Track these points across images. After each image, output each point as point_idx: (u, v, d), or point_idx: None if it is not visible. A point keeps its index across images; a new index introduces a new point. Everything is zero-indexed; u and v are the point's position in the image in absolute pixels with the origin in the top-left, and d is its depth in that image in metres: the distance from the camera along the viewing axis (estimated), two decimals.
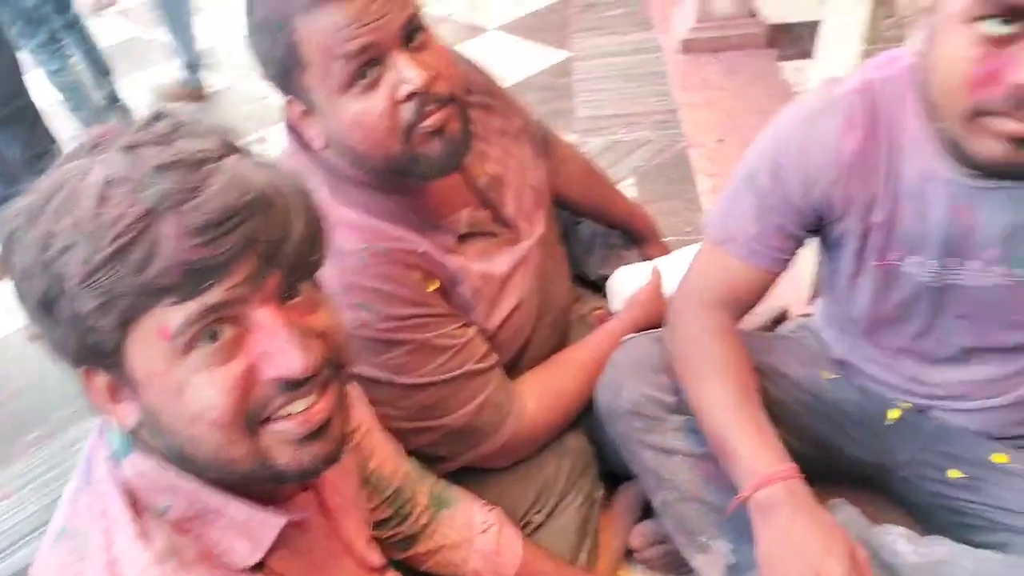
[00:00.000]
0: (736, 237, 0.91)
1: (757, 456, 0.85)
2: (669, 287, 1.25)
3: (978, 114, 0.64)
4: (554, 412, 1.07)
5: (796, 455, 0.97)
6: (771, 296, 1.49)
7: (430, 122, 0.81)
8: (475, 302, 0.98)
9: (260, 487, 0.57)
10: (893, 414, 1.03)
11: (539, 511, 1.04)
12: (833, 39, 1.50)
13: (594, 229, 1.52)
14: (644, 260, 1.44)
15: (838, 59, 1.24)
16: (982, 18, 0.60)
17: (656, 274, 1.27)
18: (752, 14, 2.65)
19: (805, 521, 0.80)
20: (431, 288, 0.92)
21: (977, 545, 0.93)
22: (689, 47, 2.64)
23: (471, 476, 1.01)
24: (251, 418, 0.52)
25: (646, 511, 1.11)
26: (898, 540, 0.93)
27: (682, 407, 0.98)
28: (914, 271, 0.85)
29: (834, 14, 1.51)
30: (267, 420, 0.52)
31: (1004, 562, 0.87)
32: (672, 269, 1.28)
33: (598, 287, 1.56)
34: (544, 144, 1.27)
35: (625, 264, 1.43)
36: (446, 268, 0.94)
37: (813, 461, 1.03)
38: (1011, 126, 0.62)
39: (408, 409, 0.92)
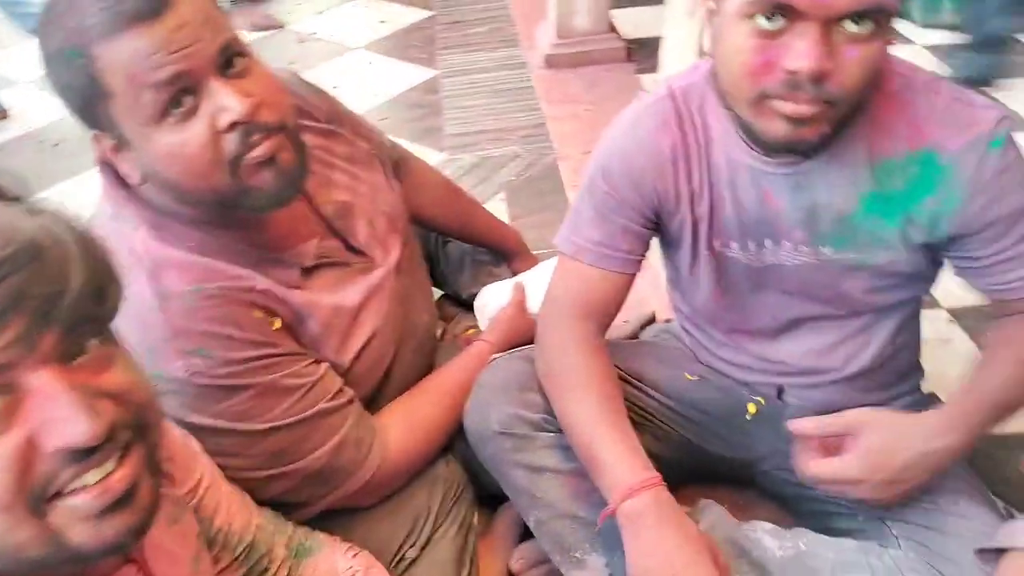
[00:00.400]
0: (585, 245, 0.95)
1: (622, 466, 0.86)
2: (534, 302, 1.25)
3: (762, 98, 0.71)
4: (420, 442, 1.03)
5: (665, 461, 0.99)
6: (642, 303, 1.53)
7: (258, 152, 0.76)
8: (326, 336, 0.93)
9: (63, 571, 0.50)
10: (751, 408, 1.07)
11: (413, 545, 1.00)
12: (672, 52, 1.56)
13: (463, 248, 1.51)
14: (513, 275, 1.43)
15: (679, 69, 1.28)
16: (753, 15, 0.68)
17: (519, 290, 1.27)
18: (611, 29, 2.73)
19: (670, 531, 0.81)
20: (275, 326, 0.87)
21: (838, 532, 0.97)
22: (552, 62, 2.69)
23: (337, 517, 0.96)
24: (35, 496, 0.45)
25: (526, 533, 1.10)
26: (764, 537, 0.95)
27: (550, 424, 0.98)
28: (738, 255, 0.91)
29: (672, 29, 1.58)
30: (57, 495, 0.46)
31: (860, 548, 0.91)
32: (536, 283, 1.28)
33: (471, 306, 1.55)
34: (397, 166, 1.24)
35: (495, 281, 1.43)
36: (290, 304, 0.89)
37: (683, 464, 1.07)
38: (788, 107, 0.70)
39: (258, 457, 0.86)
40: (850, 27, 0.66)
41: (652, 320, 1.46)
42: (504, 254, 1.49)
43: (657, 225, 0.95)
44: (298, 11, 3.38)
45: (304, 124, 0.95)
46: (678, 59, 1.61)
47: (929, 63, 2.59)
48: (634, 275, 0.98)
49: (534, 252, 1.53)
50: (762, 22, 0.67)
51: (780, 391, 1.04)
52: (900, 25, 2.85)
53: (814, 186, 0.83)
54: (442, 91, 2.68)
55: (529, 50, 2.87)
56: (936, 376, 1.11)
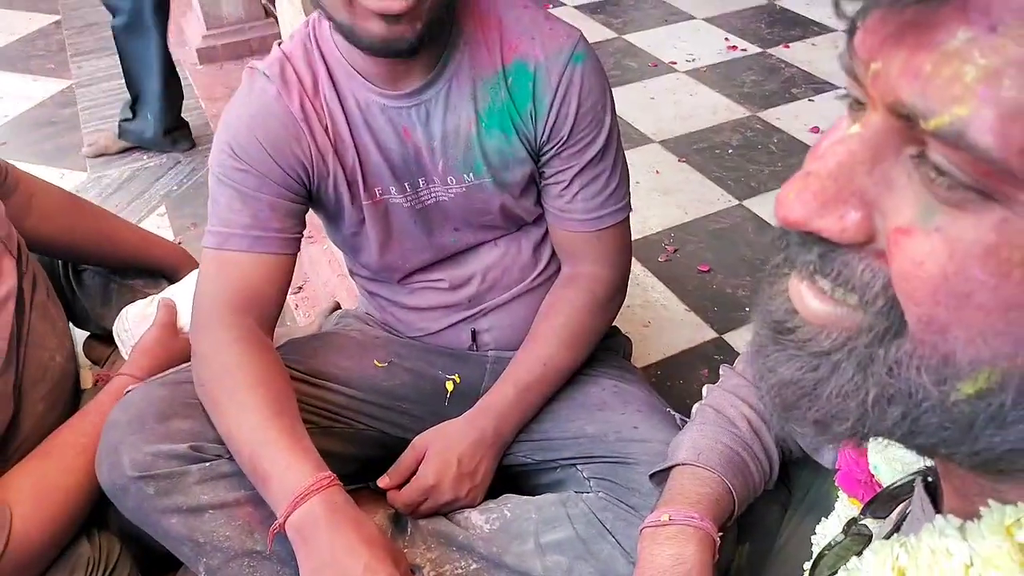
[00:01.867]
0: (233, 232, 0.84)
1: (290, 474, 0.74)
2: (188, 318, 1.07)
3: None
4: (53, 515, 0.83)
5: (360, 461, 0.92)
6: (323, 299, 1.41)
7: (373, 3, 0.70)
8: None
9: None
10: (449, 387, 1.00)
11: None
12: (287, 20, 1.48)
13: (107, 275, 1.26)
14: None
15: None
16: None
17: (166, 308, 1.07)
18: (267, 15, 2.54)
19: (343, 536, 0.72)
20: None
21: (545, 489, 0.93)
22: (207, 56, 2.43)
23: None
24: None
25: None
26: (471, 515, 0.89)
27: (205, 451, 0.81)
28: (399, 200, 0.88)
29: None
30: None
31: (559, 500, 0.88)
32: (188, 296, 1.09)
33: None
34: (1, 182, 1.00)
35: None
36: None
37: (383, 461, 0.96)
38: (373, 3, 0.69)
39: None
40: None
41: (336, 308, 1.34)
42: (164, 273, 1.28)
43: (308, 196, 0.87)
44: None
45: None
46: (295, 22, 1.53)
47: (579, 18, 2.77)
48: (293, 256, 0.87)
49: None
50: None
51: (474, 335, 0.99)
52: None
53: (438, 114, 0.83)
54: (78, 103, 2.30)
55: (180, 47, 2.58)
56: None
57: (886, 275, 0.28)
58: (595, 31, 2.72)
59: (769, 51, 2.57)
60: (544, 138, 0.85)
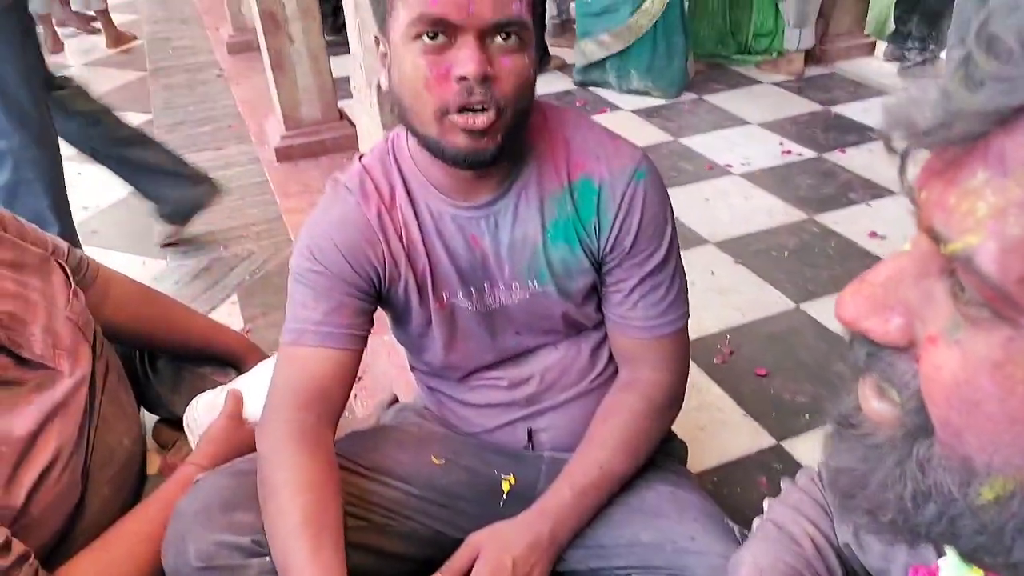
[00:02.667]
0: (305, 328, 0.89)
1: None
2: (255, 408, 1.10)
3: (443, 114, 0.77)
4: None
5: (416, 560, 0.94)
6: (381, 389, 1.44)
7: (465, 119, 0.78)
8: None
9: None
10: (505, 486, 1.01)
11: None
12: (366, 134, 1.57)
13: (179, 363, 1.33)
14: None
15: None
16: (419, 36, 0.75)
17: (234, 398, 1.12)
18: (341, 117, 2.71)
19: None
20: None
21: None
22: (284, 155, 2.59)
23: None
24: None
25: None
26: None
27: (264, 545, 0.83)
28: (465, 304, 0.92)
29: (360, 114, 1.59)
30: None
31: None
32: (256, 386, 1.12)
33: None
34: (80, 271, 1.09)
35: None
36: None
37: (432, 563, 0.96)
38: (461, 120, 0.76)
39: None
40: (499, 41, 0.76)
41: (395, 401, 1.36)
42: (231, 361, 1.33)
43: (378, 296, 0.91)
44: None
45: None
46: (372, 132, 1.63)
47: (636, 123, 2.86)
48: (360, 352, 0.91)
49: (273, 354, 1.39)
50: (427, 40, 0.75)
51: (530, 434, 1.00)
52: (606, 95, 3.15)
53: (507, 224, 0.88)
54: None
55: (260, 145, 2.76)
56: None
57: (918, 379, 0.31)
58: (651, 134, 2.80)
59: (825, 156, 2.60)
60: (607, 249, 0.89)
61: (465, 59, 0.74)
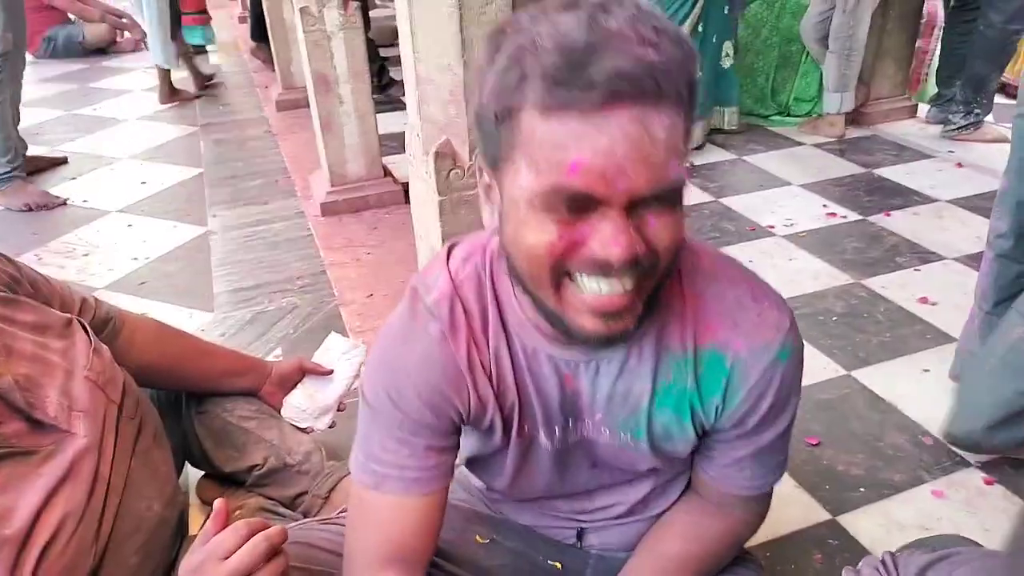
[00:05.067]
0: (389, 473, 0.79)
1: None
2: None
3: (565, 277, 0.62)
4: None
5: None
6: None
7: (596, 301, 0.63)
8: None
9: None
10: (557, 565, 0.97)
11: None
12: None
13: (222, 417, 1.35)
14: (266, 405, 1.39)
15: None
16: (553, 208, 0.59)
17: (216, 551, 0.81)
18: (386, 174, 2.76)
19: None
20: None
21: None
22: (329, 209, 2.64)
23: None
24: None
25: None
26: None
27: None
28: (542, 439, 0.81)
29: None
30: None
31: None
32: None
33: (240, 482, 1.37)
34: (106, 324, 1.12)
35: (260, 440, 1.35)
36: None
37: None
38: (592, 300, 0.62)
39: None
40: (653, 206, 0.59)
41: None
42: (254, 388, 1.39)
43: (460, 430, 0.82)
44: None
45: None
46: (425, 198, 1.66)
47: None
48: (446, 493, 0.82)
49: None
50: (562, 214, 0.58)
51: (580, 533, 0.96)
52: None
53: (610, 374, 0.76)
54: (212, 248, 2.52)
55: (306, 200, 2.81)
56: None
57: None
58: (691, 194, 2.81)
59: (870, 219, 2.57)
60: (725, 427, 0.79)
61: (608, 239, 0.58)
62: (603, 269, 0.60)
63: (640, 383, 0.75)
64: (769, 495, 0.89)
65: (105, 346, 1.03)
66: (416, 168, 1.70)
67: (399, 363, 0.77)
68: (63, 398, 0.89)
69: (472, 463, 0.91)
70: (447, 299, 0.76)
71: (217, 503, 0.82)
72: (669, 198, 0.59)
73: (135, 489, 0.95)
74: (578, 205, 0.58)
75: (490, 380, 0.76)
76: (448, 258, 0.79)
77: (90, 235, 2.66)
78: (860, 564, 0.75)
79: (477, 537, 0.98)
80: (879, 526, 1.37)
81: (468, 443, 0.87)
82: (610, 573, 0.93)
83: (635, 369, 0.75)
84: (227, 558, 0.76)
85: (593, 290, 0.61)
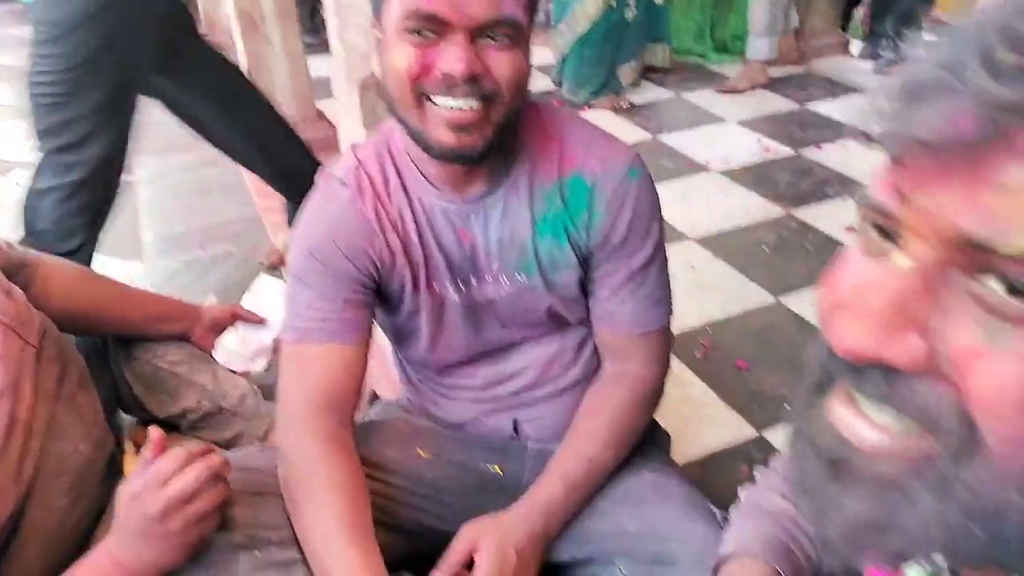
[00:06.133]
0: (311, 327, 0.89)
1: None
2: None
3: (423, 97, 0.76)
4: None
5: (398, 552, 0.92)
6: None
7: (445, 114, 0.78)
8: None
9: None
10: (496, 469, 1.01)
11: None
12: (346, 128, 1.57)
13: (152, 363, 1.32)
14: (198, 350, 1.34)
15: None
16: (411, 31, 0.74)
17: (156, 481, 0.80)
18: (320, 117, 2.69)
19: None
20: None
21: None
22: None
23: None
24: None
25: None
26: None
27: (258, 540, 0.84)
28: (454, 297, 0.92)
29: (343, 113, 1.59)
30: None
31: None
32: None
33: (173, 426, 1.35)
34: (20, 271, 1.07)
35: (191, 386, 1.31)
36: None
37: (431, 553, 0.95)
38: (446, 114, 0.76)
39: None
40: (491, 39, 0.75)
41: (375, 398, 1.36)
42: (184, 332, 1.35)
43: (377, 290, 0.92)
44: None
45: None
46: (353, 131, 1.63)
47: (614, 120, 2.87)
48: (367, 346, 0.92)
49: None
50: (417, 36, 0.74)
51: (515, 425, 1.00)
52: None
53: (496, 218, 0.88)
54: (139, 196, 2.43)
55: None
56: None
57: (953, 398, 0.29)
58: (630, 132, 2.82)
59: (802, 153, 2.63)
60: (596, 245, 0.89)
61: (452, 57, 0.73)
62: (449, 84, 0.74)
63: (522, 220, 0.88)
64: (662, 352, 0.96)
65: (19, 289, 0.99)
66: (342, 100, 1.66)
67: (318, 226, 0.89)
68: None
69: (396, 339, 1.01)
70: (352, 169, 0.89)
71: (153, 431, 0.82)
72: (508, 35, 0.75)
73: (59, 431, 0.92)
74: (430, 27, 0.73)
75: (397, 233, 0.88)
76: (351, 148, 0.93)
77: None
78: (770, 461, 0.79)
79: (419, 451, 1.00)
80: None
81: (387, 321, 0.98)
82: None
83: (515, 209, 0.88)
84: (167, 483, 0.76)
85: (446, 105, 0.75)
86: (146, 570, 0.81)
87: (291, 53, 2.52)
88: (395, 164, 0.89)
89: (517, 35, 0.76)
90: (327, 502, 0.83)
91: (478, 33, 0.74)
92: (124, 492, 0.79)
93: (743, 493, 0.77)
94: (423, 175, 0.87)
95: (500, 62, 0.75)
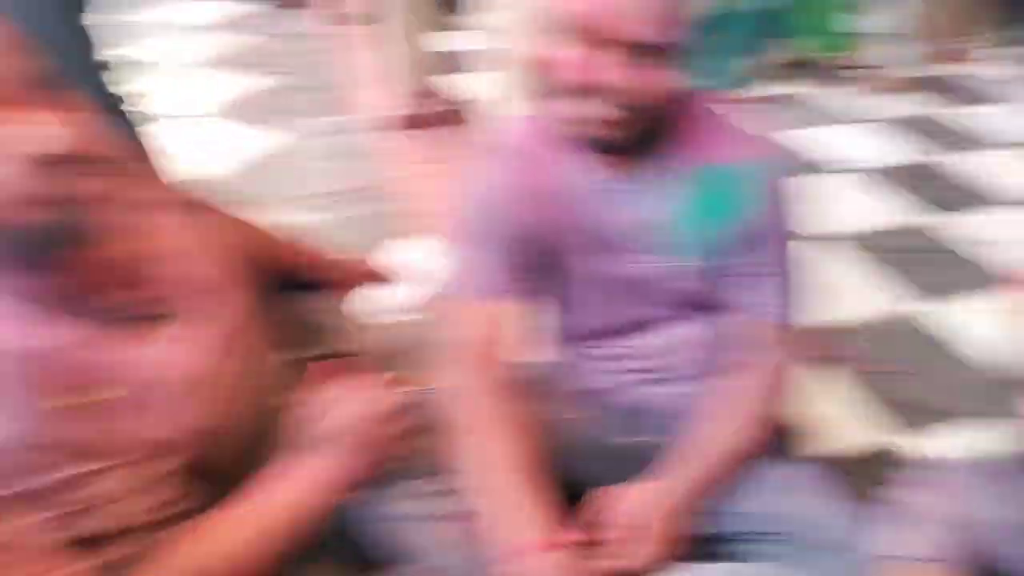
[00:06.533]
0: (483, 286, 0.99)
1: (517, 525, 0.87)
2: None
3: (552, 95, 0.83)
4: None
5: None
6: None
7: None
8: (141, 405, 0.78)
9: None
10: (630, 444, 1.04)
11: None
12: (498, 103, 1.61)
13: (305, 306, 1.40)
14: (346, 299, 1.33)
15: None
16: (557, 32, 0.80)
17: (369, 402, 0.87)
18: (446, 91, 2.74)
19: None
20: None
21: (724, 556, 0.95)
22: (392, 125, 2.67)
23: None
24: None
25: None
26: None
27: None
28: (601, 271, 0.98)
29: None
30: None
31: (732, 570, 0.89)
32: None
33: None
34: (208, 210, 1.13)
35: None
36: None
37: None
38: (590, 128, 0.84)
39: None
40: (639, 57, 0.80)
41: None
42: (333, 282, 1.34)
43: (532, 255, 0.99)
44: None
45: (96, 164, 0.81)
46: (504, 109, 1.68)
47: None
48: (522, 309, 1.02)
49: None
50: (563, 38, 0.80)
51: (649, 400, 1.05)
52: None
53: (647, 201, 0.93)
54: (296, 154, 2.59)
55: (366, 115, 2.81)
56: None
57: None
58: (770, 125, 2.73)
59: (941, 159, 2.53)
60: (738, 234, 0.94)
61: (602, 68, 0.80)
62: (576, 93, 0.81)
63: (670, 204, 0.93)
64: (798, 344, 1.00)
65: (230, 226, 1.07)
66: (480, 77, 1.68)
67: (484, 191, 0.98)
68: (184, 276, 0.89)
69: (543, 305, 1.06)
70: (507, 147, 0.99)
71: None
72: (650, 56, 0.80)
73: (254, 357, 0.96)
74: (575, 36, 0.79)
75: (552, 204, 0.95)
76: (515, 119, 1.02)
77: (181, 137, 2.64)
78: (918, 464, 0.79)
79: (560, 413, 1.06)
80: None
81: (537, 287, 1.02)
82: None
83: (666, 192, 0.93)
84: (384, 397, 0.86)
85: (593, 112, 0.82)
86: (341, 480, 0.85)
87: (421, 26, 2.57)
88: (552, 139, 0.95)
89: (668, 56, 0.83)
90: (512, 438, 0.92)
91: (628, 50, 0.80)
92: (336, 406, 0.85)
93: (889, 495, 0.78)
94: (577, 152, 0.92)
95: (645, 75, 0.81)
